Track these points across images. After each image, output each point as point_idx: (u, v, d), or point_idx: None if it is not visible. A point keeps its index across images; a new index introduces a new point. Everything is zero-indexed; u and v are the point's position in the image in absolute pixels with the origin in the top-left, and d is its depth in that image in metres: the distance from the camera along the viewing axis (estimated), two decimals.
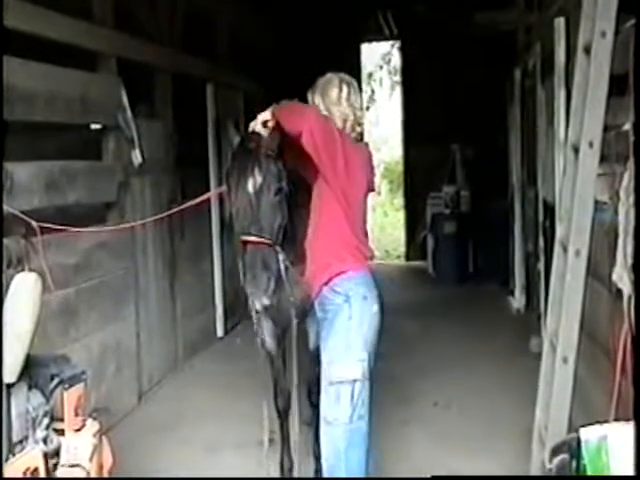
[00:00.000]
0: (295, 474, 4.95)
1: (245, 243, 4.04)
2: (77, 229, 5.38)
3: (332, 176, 3.94)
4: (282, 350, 4.93)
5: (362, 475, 3.97)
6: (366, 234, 4.21)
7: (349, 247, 4.01)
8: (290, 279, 4.18)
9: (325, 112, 4.09)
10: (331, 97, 4.11)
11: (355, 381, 3.90)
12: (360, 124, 4.21)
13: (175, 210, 6.07)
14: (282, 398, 4.94)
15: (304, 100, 4.17)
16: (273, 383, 4.99)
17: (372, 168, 4.31)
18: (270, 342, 4.86)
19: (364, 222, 4.19)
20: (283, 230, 4.11)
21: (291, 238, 4.25)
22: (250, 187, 4.05)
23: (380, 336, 4.07)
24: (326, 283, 3.99)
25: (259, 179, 4.05)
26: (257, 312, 4.26)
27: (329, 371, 3.97)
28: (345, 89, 4.13)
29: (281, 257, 4.09)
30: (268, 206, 4.06)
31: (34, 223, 4.52)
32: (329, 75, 4.20)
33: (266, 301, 4.10)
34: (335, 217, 3.99)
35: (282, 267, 4.10)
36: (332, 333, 3.99)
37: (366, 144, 4.45)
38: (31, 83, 5.11)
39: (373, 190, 4.35)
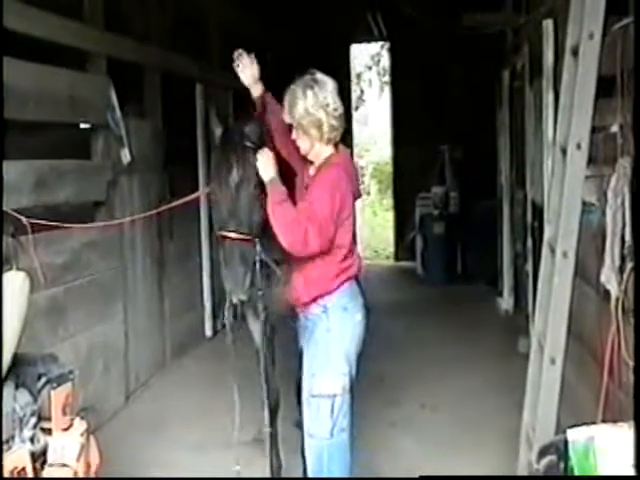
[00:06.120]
0: (283, 474, 4.95)
1: (224, 238, 4.06)
2: (66, 225, 5.37)
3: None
4: (271, 349, 4.92)
5: None
6: (352, 250, 4.11)
7: (335, 269, 3.96)
8: (268, 274, 4.21)
9: (302, 132, 3.97)
10: (299, 111, 3.92)
11: (335, 396, 3.88)
12: (336, 118, 3.95)
13: (164, 208, 6.07)
14: (271, 397, 4.91)
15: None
16: (262, 382, 4.97)
17: (357, 178, 4.27)
18: (258, 341, 4.85)
19: (353, 236, 4.10)
20: (263, 223, 4.10)
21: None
22: (230, 181, 4.06)
23: (366, 339, 4.07)
24: (309, 298, 3.99)
25: (240, 173, 4.06)
26: (232, 306, 4.25)
27: (309, 383, 3.96)
28: (310, 95, 3.90)
29: (258, 249, 4.10)
30: (248, 200, 4.06)
31: (24, 219, 4.50)
32: (292, 87, 3.99)
33: (243, 296, 4.11)
34: None
35: (258, 261, 4.11)
36: (312, 342, 3.99)
37: (348, 152, 4.31)
38: (21, 82, 5.08)
39: (360, 196, 4.34)
